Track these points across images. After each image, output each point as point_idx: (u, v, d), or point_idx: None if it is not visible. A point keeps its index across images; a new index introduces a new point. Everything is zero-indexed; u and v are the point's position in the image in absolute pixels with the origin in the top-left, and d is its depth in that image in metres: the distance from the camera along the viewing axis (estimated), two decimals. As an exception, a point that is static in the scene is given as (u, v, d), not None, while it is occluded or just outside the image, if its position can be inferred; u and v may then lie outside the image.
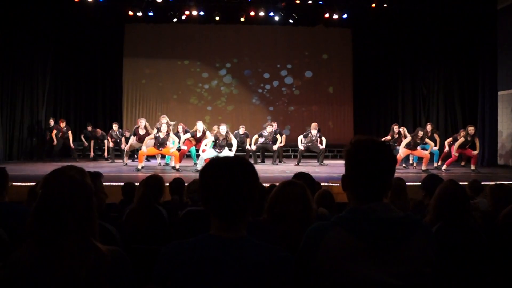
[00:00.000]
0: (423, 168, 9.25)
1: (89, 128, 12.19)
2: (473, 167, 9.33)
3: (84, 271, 1.32)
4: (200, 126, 9.64)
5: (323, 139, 10.66)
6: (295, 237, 1.92)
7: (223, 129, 9.26)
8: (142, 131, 9.95)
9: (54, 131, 11.30)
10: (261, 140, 10.71)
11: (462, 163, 10.65)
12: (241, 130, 11.09)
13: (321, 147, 10.51)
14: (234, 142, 9.36)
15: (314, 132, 10.52)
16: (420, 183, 3.82)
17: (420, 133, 9.24)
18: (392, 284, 1.30)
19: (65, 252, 1.33)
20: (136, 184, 3.48)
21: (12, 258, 1.37)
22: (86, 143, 12.15)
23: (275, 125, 11.00)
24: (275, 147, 10.64)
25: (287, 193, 2.10)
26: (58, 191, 1.39)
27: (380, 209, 1.38)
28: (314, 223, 1.97)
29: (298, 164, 10.47)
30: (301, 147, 10.50)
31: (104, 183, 2.75)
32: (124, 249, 1.55)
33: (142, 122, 10.05)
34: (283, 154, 11.88)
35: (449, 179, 2.68)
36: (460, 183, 2.64)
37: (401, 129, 10.16)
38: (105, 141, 11.56)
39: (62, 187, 1.39)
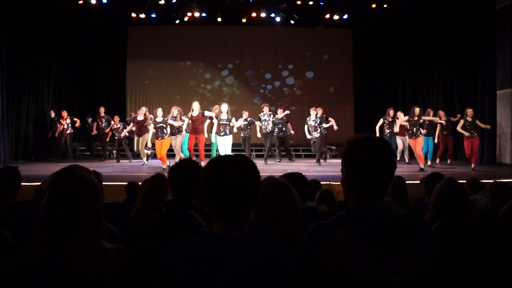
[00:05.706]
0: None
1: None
2: (473, 166, 9.40)
3: (90, 269, 1.33)
4: (195, 105, 9.06)
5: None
6: (285, 235, 1.94)
7: (224, 107, 9.23)
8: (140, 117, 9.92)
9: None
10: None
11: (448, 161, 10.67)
12: (244, 115, 10.72)
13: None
14: (234, 120, 9.56)
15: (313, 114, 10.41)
16: (419, 181, 3.89)
17: (417, 110, 9.06)
18: (393, 282, 1.30)
19: (73, 251, 1.34)
20: (140, 183, 3.44)
21: (19, 256, 1.39)
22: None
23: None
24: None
25: (270, 194, 2.06)
26: (70, 190, 1.39)
27: (381, 207, 1.38)
28: (301, 220, 2.04)
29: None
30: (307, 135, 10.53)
31: (108, 183, 2.70)
32: (128, 247, 1.56)
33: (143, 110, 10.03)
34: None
35: (448, 177, 2.73)
36: (460, 181, 2.68)
37: (398, 113, 10.00)
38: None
39: (73, 186, 1.40)
